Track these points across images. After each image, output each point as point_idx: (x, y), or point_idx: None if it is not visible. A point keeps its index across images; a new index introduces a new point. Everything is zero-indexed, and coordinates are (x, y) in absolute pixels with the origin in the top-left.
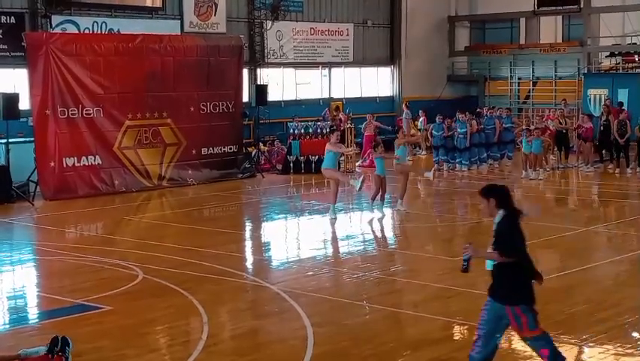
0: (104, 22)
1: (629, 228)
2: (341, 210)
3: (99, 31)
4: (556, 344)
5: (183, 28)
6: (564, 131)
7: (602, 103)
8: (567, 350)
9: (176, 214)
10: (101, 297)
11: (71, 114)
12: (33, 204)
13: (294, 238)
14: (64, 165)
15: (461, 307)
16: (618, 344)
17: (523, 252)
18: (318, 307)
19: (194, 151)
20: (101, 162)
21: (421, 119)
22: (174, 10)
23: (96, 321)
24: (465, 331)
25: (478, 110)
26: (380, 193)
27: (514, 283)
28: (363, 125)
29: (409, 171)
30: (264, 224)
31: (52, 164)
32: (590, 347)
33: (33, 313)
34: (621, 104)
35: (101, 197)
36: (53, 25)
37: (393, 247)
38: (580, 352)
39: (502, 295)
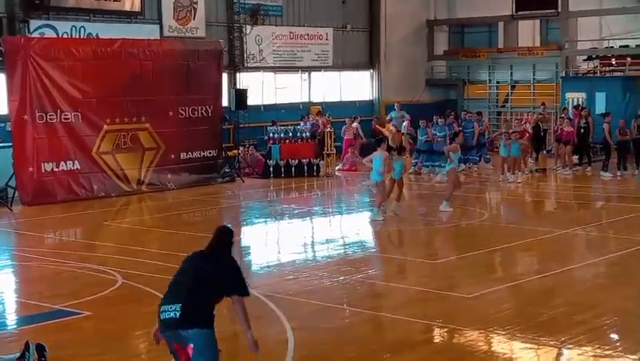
0: (82, 26)
1: (607, 230)
2: (322, 213)
3: (78, 36)
4: (536, 346)
5: (162, 32)
6: (542, 133)
7: (580, 107)
8: (546, 352)
9: (155, 219)
10: (80, 302)
11: (49, 119)
12: (11, 210)
13: (274, 241)
14: (43, 170)
15: (441, 309)
16: (597, 346)
17: None
18: (299, 310)
19: (173, 156)
20: (79, 167)
21: (404, 124)
22: (153, 15)
23: (75, 327)
24: (445, 333)
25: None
26: (397, 193)
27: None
28: (343, 129)
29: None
30: (243, 228)
31: (31, 169)
32: (569, 348)
33: (11, 319)
34: (581, 107)
35: (80, 202)
36: (31, 30)
37: (373, 250)
38: (559, 353)
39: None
